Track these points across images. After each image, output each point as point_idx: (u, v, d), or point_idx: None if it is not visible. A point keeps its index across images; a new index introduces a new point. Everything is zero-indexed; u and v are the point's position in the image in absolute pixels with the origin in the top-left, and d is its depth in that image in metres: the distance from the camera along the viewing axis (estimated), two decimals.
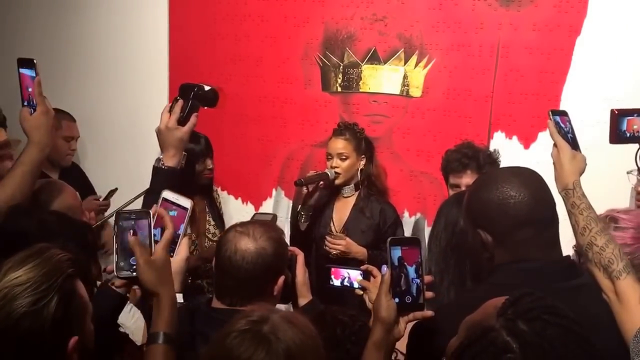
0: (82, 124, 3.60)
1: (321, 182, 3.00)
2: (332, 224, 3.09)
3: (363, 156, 3.08)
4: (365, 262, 2.86)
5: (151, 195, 1.79)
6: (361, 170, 3.08)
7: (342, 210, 3.11)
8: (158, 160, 1.83)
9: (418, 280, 1.45)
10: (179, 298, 1.58)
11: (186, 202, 1.56)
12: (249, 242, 1.69)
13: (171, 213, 1.55)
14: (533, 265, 1.38)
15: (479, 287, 1.54)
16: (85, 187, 3.51)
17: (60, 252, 1.31)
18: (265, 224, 1.84)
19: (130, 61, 3.74)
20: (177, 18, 3.72)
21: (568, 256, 1.46)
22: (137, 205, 1.94)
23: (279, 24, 3.49)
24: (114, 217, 1.49)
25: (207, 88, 1.87)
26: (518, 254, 1.41)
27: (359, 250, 2.97)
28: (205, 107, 1.88)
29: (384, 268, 1.47)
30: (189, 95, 1.82)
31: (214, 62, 3.66)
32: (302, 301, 1.89)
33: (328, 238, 2.99)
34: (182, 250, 1.57)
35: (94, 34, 3.92)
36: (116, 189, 3.37)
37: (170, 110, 1.82)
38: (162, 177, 1.82)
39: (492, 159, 2.82)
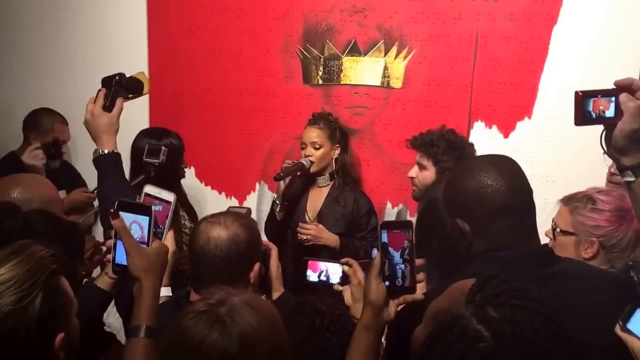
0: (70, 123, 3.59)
1: (298, 172, 3.01)
2: (306, 213, 3.10)
3: (337, 145, 3.09)
4: (337, 250, 2.92)
5: (105, 185, 1.78)
6: (336, 159, 3.09)
7: (317, 199, 3.12)
8: (95, 151, 1.82)
9: (408, 264, 1.46)
10: (167, 292, 1.57)
11: (169, 196, 1.55)
12: (221, 230, 1.71)
13: (155, 208, 1.55)
14: (511, 254, 1.39)
15: (456, 276, 1.55)
16: (77, 182, 3.52)
17: (42, 249, 1.30)
18: (237, 213, 1.86)
19: (109, 57, 3.71)
20: (155, 12, 3.69)
21: (546, 244, 1.47)
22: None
23: (259, 17, 3.48)
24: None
25: (128, 76, 1.89)
26: (496, 242, 1.41)
27: (330, 237, 2.97)
28: (132, 97, 1.90)
29: (375, 251, 1.47)
30: (111, 83, 1.84)
31: (193, 56, 3.64)
32: (275, 294, 1.92)
33: (300, 224, 3.00)
34: (168, 244, 1.56)
35: (73, 30, 3.89)
36: None
37: (95, 101, 1.84)
38: (106, 163, 1.80)
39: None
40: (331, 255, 2.95)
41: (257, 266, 1.74)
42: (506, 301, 1.01)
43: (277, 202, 3.05)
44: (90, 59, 3.81)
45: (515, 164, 1.49)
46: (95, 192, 3.27)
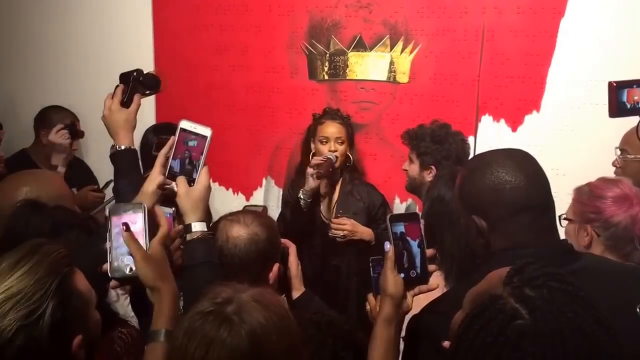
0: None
1: (330, 169, 2.95)
2: (320, 211, 3.06)
3: (351, 141, 3.10)
4: (372, 243, 2.90)
5: (121, 182, 1.77)
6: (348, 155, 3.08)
7: (329, 195, 3.09)
8: (113, 147, 1.81)
9: (422, 255, 1.47)
10: (202, 227, 1.55)
11: (205, 131, 1.56)
12: (240, 228, 1.68)
13: (190, 143, 1.56)
14: (530, 251, 1.32)
15: (474, 275, 1.53)
16: (89, 179, 3.53)
17: (54, 250, 1.25)
18: (256, 212, 1.84)
19: (114, 55, 3.71)
20: (161, 10, 3.69)
21: (565, 240, 1.45)
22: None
23: (264, 14, 3.48)
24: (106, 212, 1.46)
25: (145, 72, 1.87)
26: (514, 240, 1.38)
27: (365, 231, 2.95)
28: (149, 93, 1.88)
29: (387, 245, 1.47)
30: (129, 79, 1.83)
31: (199, 53, 3.64)
32: (296, 294, 1.87)
33: (333, 220, 2.95)
34: (203, 178, 1.56)
35: (79, 29, 3.88)
36: (111, 180, 3.36)
37: (113, 97, 1.82)
38: (123, 159, 1.79)
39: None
40: (356, 250, 2.95)
41: (276, 267, 1.72)
42: (544, 283, 0.99)
43: (302, 197, 2.96)
44: (96, 57, 3.81)
45: (533, 159, 1.45)
46: (105, 189, 3.35)
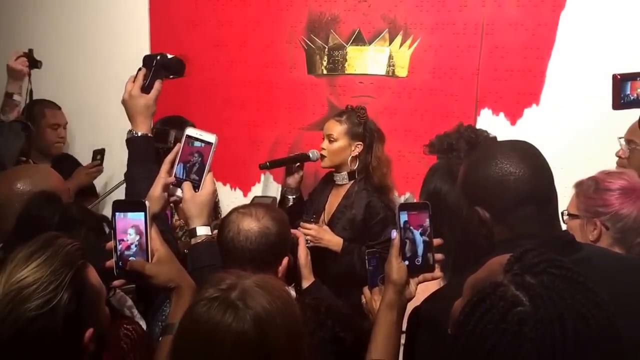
0: (71, 114, 3.59)
1: (297, 163, 2.92)
2: (323, 214, 2.95)
3: (359, 143, 2.84)
4: (338, 254, 2.77)
5: (135, 167, 1.76)
6: (356, 157, 2.85)
7: (334, 200, 2.95)
8: (130, 132, 1.80)
9: (427, 244, 1.49)
10: (207, 230, 1.60)
11: (210, 137, 1.57)
12: (252, 222, 1.70)
13: (195, 150, 1.58)
14: (533, 242, 1.29)
15: (475, 267, 1.53)
16: None
17: (68, 243, 1.27)
18: (267, 205, 1.85)
19: (111, 49, 3.70)
20: (157, 4, 3.68)
21: (567, 231, 1.45)
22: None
23: (262, 8, 3.47)
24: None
25: (170, 56, 1.85)
26: (517, 231, 1.38)
27: (332, 240, 2.78)
28: (172, 77, 1.86)
29: (394, 233, 1.50)
30: (152, 64, 1.80)
31: (197, 48, 3.62)
32: (305, 283, 1.91)
33: (301, 223, 2.78)
34: (208, 184, 1.59)
35: (74, 22, 3.87)
36: (103, 149, 3.42)
37: (134, 81, 1.80)
38: (138, 145, 1.78)
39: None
40: (333, 258, 2.81)
41: (285, 260, 1.73)
42: (544, 270, 1.00)
43: (288, 195, 2.95)
44: (93, 53, 3.80)
45: (537, 150, 1.46)
46: (98, 159, 3.34)
